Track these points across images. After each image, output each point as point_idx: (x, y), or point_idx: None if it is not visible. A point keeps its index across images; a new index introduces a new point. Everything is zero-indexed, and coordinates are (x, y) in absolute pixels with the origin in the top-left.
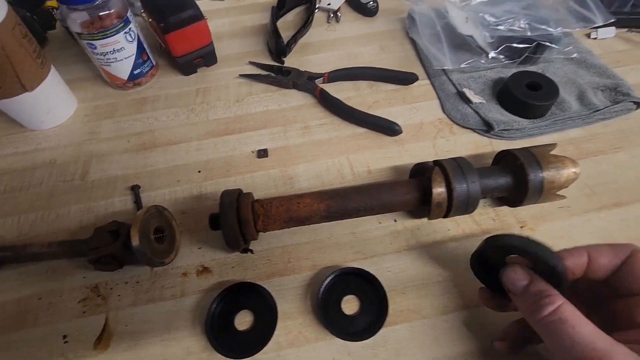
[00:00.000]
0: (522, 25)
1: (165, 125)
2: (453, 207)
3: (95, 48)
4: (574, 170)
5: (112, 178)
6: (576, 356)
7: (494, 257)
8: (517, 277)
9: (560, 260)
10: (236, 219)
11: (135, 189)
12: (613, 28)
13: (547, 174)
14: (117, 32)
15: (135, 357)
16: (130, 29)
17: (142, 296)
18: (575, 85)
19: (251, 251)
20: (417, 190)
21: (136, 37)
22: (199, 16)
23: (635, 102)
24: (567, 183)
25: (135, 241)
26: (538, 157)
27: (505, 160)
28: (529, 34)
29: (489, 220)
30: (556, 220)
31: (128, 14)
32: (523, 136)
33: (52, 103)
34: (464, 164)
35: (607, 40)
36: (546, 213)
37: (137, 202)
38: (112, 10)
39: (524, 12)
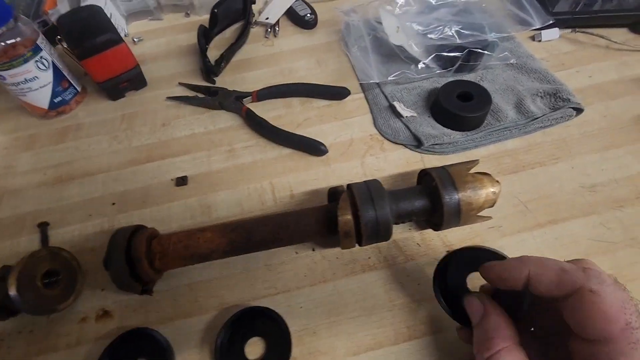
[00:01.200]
0: (451, 33)
1: (86, 154)
2: (363, 235)
3: (5, 79)
4: (492, 190)
5: (22, 215)
6: None
7: (456, 273)
8: (470, 309)
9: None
10: (124, 259)
11: (42, 227)
12: (556, 29)
13: (464, 195)
14: (26, 61)
15: None
16: (41, 57)
17: (34, 347)
18: (514, 93)
19: (149, 293)
20: (326, 219)
21: (51, 65)
22: (116, 40)
23: (575, 108)
24: (486, 204)
25: (12, 290)
26: (454, 177)
27: (424, 181)
28: (458, 41)
29: (413, 245)
30: (486, 241)
31: (38, 42)
32: (456, 150)
33: None
34: (374, 189)
35: (552, 43)
36: (475, 235)
37: (44, 240)
38: (17, 40)
39: (455, 18)
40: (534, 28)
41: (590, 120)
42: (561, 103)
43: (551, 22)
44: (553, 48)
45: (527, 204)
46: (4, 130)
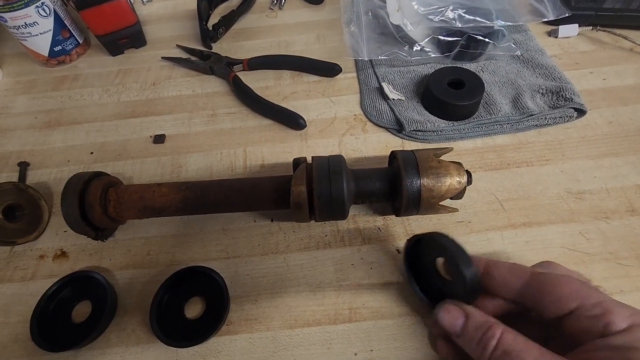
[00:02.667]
0: (452, 16)
1: (77, 104)
2: (316, 208)
3: (6, 21)
4: (458, 179)
5: (7, 153)
6: None
7: (424, 255)
8: (451, 317)
9: (473, 266)
10: (77, 202)
11: (22, 166)
12: (576, 26)
13: (425, 181)
14: (27, 5)
15: None
16: (43, 3)
17: None
18: (513, 87)
19: (101, 239)
20: (281, 189)
21: (52, 12)
22: None
23: (576, 109)
24: (449, 193)
25: None
26: (419, 160)
27: (392, 163)
28: (458, 25)
29: (374, 229)
30: (451, 235)
31: None
32: (439, 139)
33: None
34: (334, 164)
35: (569, 40)
36: (442, 227)
37: (21, 178)
38: None
39: (461, 1)
40: (546, 20)
41: (594, 125)
42: (562, 102)
43: (567, 15)
44: (569, 45)
45: (504, 203)
46: (9, 73)
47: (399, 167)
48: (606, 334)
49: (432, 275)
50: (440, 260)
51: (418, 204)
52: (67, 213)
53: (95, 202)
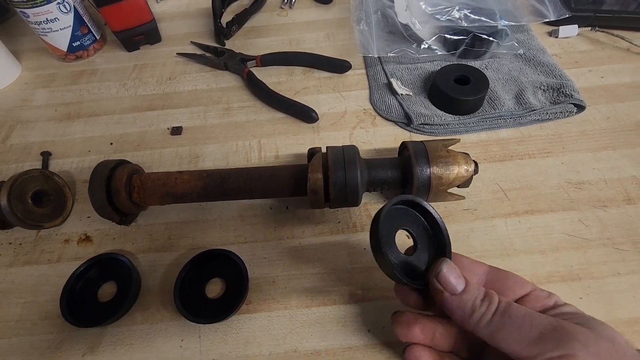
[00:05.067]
0: (458, 16)
1: (95, 97)
2: (331, 195)
3: (28, 17)
4: (465, 167)
5: (29, 144)
6: (539, 332)
7: (390, 221)
8: (457, 274)
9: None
10: (104, 187)
11: (44, 155)
12: (575, 26)
13: (435, 169)
14: (49, 1)
15: None
16: (64, 0)
17: (21, 258)
18: (516, 84)
19: (126, 224)
20: (298, 177)
21: (72, 9)
22: None
23: (576, 105)
24: (457, 181)
25: (2, 200)
26: (429, 150)
27: (403, 153)
28: (464, 24)
29: None
30: (457, 222)
31: None
32: (446, 132)
33: None
34: (348, 153)
35: (569, 40)
36: (448, 214)
37: (45, 167)
38: None
39: (466, 1)
40: (548, 20)
41: (592, 120)
42: (563, 98)
43: (568, 16)
44: (569, 45)
45: (508, 192)
46: (29, 67)
47: (409, 156)
48: (557, 306)
49: (394, 249)
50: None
51: (428, 191)
52: (94, 198)
53: (121, 188)
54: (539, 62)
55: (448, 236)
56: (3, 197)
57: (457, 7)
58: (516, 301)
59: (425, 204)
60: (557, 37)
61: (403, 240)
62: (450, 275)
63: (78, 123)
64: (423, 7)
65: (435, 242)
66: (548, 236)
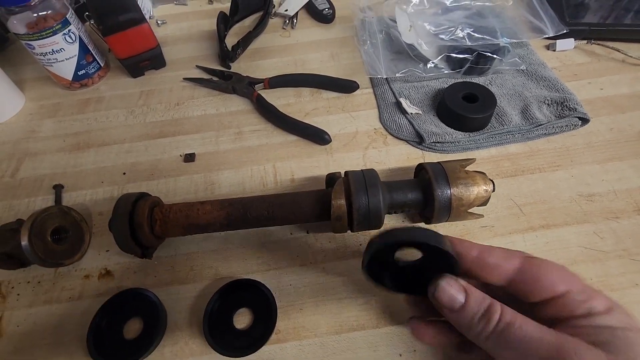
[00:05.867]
0: (462, 35)
1: (103, 126)
2: (354, 220)
3: (34, 49)
4: (484, 187)
5: (40, 177)
6: (532, 356)
7: (383, 256)
8: (454, 290)
9: (449, 243)
10: (127, 223)
11: (57, 188)
12: (572, 40)
13: (455, 191)
14: (55, 33)
15: None
16: (69, 30)
17: (41, 297)
18: (521, 99)
19: (149, 257)
20: (321, 202)
21: (77, 39)
22: (138, 19)
23: (580, 118)
24: (477, 201)
25: (24, 240)
26: (448, 172)
27: (420, 175)
28: (468, 43)
29: None
30: (476, 239)
31: (68, 16)
32: (457, 150)
33: None
34: (369, 177)
35: (566, 53)
36: (467, 232)
37: (58, 201)
38: (48, 12)
39: (468, 21)
40: (547, 36)
41: (596, 132)
42: (567, 112)
43: (565, 31)
44: (567, 58)
45: (522, 208)
46: (32, 97)
47: (429, 178)
48: (589, 315)
49: (397, 272)
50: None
51: (449, 212)
52: (118, 235)
53: (144, 222)
54: (541, 76)
55: (453, 250)
56: (24, 237)
57: (460, 27)
58: (547, 302)
59: (409, 237)
60: (554, 50)
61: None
62: (444, 295)
63: (88, 153)
64: (427, 27)
65: (441, 256)
66: (565, 250)
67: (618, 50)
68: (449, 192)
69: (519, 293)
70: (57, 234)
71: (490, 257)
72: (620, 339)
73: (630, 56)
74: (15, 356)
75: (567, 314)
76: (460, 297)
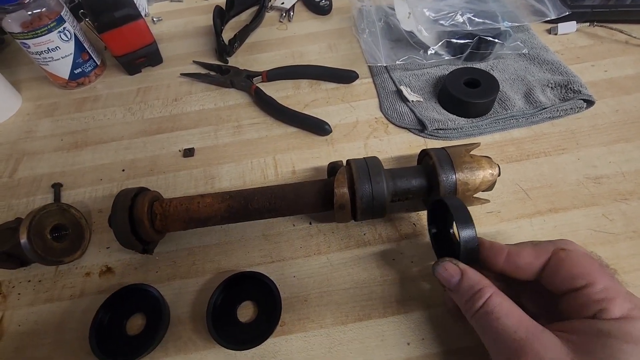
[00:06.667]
0: (462, 20)
1: (101, 124)
2: (358, 209)
3: (29, 47)
4: (490, 171)
5: (38, 176)
6: (499, 348)
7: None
8: (448, 273)
9: (475, 241)
10: (127, 218)
11: (56, 187)
12: (574, 23)
13: (461, 175)
14: (50, 31)
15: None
16: (64, 28)
17: (42, 295)
18: (524, 83)
19: (149, 252)
20: (323, 192)
21: (72, 37)
22: (134, 16)
23: (585, 100)
24: (482, 185)
25: (22, 237)
26: (453, 157)
27: (424, 161)
28: (468, 28)
29: (409, 225)
30: (483, 225)
31: (62, 14)
32: (460, 136)
33: None
34: (372, 165)
35: (568, 36)
36: (474, 218)
37: (57, 199)
38: (42, 10)
39: (468, 6)
40: (549, 19)
41: (601, 114)
42: (571, 95)
43: (567, 13)
44: (569, 41)
45: (529, 192)
46: (29, 97)
47: (433, 164)
48: (598, 317)
49: (448, 238)
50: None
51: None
52: (118, 230)
53: (144, 217)
54: (543, 60)
55: (460, 237)
56: (23, 235)
57: (460, 12)
58: (566, 296)
59: (447, 202)
60: (556, 34)
61: None
62: (442, 274)
63: (86, 151)
64: (427, 13)
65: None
66: (575, 233)
67: (621, 32)
68: (454, 177)
69: (546, 286)
70: (57, 232)
71: (520, 259)
72: (606, 351)
73: (634, 37)
74: (17, 355)
75: (576, 311)
76: (455, 279)
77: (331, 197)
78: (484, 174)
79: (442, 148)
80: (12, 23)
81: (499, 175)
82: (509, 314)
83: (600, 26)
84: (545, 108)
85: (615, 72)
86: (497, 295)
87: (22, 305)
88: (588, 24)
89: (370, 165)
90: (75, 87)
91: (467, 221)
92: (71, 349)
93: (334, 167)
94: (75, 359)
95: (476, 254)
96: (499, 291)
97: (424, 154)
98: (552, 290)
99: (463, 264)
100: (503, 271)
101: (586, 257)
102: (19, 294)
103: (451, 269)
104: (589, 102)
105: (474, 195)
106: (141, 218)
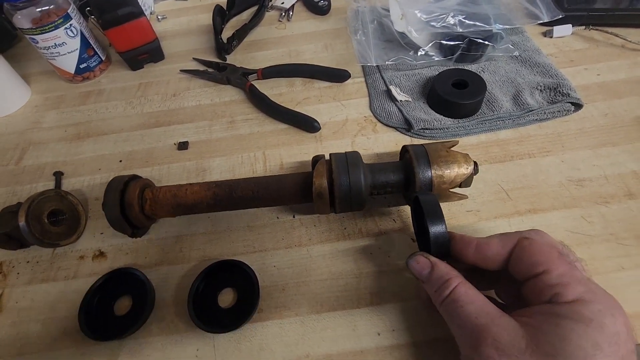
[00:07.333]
0: (453, 22)
1: (103, 117)
2: (336, 198)
3: (37, 42)
4: (465, 165)
5: (42, 164)
6: (463, 333)
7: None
8: (420, 266)
9: (444, 236)
10: (118, 201)
11: (57, 175)
12: (569, 26)
13: (436, 169)
14: (57, 27)
15: (16, 332)
16: (71, 24)
17: (38, 275)
18: (513, 85)
19: (138, 236)
20: (304, 183)
21: (79, 33)
22: (136, 13)
23: (573, 104)
24: (458, 178)
25: (21, 220)
26: (430, 152)
27: (404, 157)
28: (459, 30)
29: (389, 220)
30: (462, 224)
31: (69, 11)
32: (446, 136)
33: (0, 93)
34: (351, 158)
35: (563, 39)
36: (452, 216)
37: (57, 186)
38: (50, 7)
39: (461, 8)
40: (542, 22)
41: (590, 117)
42: (560, 97)
43: (561, 16)
44: (564, 45)
45: (509, 192)
46: (37, 90)
47: (410, 158)
48: (554, 301)
49: (426, 232)
50: None
51: (430, 191)
52: (109, 212)
53: (134, 201)
54: (535, 62)
55: (430, 231)
56: (21, 218)
57: (451, 14)
58: (526, 283)
59: (420, 198)
60: (551, 37)
61: None
62: (414, 267)
63: (88, 142)
64: (418, 15)
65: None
66: (551, 234)
67: (617, 36)
68: (429, 171)
69: (512, 274)
70: (54, 217)
71: (487, 250)
72: (558, 331)
73: (630, 41)
74: (13, 329)
75: (535, 296)
76: (425, 271)
77: (311, 188)
78: (459, 168)
79: (421, 145)
80: (23, 19)
81: (476, 171)
82: (472, 301)
83: (596, 30)
84: (532, 110)
85: (608, 76)
86: (462, 285)
87: (20, 284)
88: (584, 27)
89: (349, 158)
90: (81, 81)
91: (437, 216)
92: (62, 326)
93: (317, 160)
94: (65, 335)
95: (446, 248)
96: (465, 281)
97: (405, 150)
98: (517, 278)
99: (434, 257)
100: (474, 262)
101: (546, 246)
102: (18, 273)
103: (422, 262)
104: (577, 105)
105: (451, 190)
106: (132, 202)
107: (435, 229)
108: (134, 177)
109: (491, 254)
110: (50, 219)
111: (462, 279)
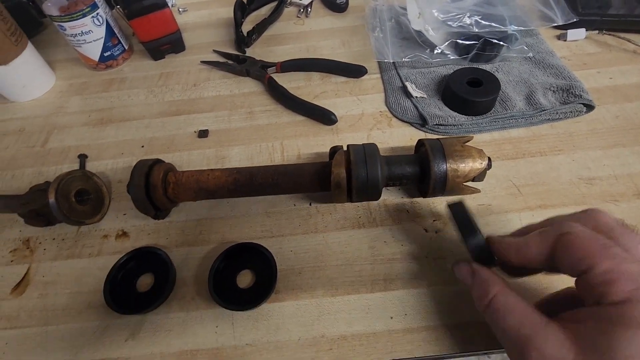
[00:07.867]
0: (469, 22)
1: (125, 103)
2: (353, 188)
3: (65, 30)
4: (479, 160)
5: (66, 147)
6: (508, 343)
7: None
8: (462, 274)
9: (481, 244)
10: (144, 183)
11: (81, 158)
12: (583, 30)
13: (451, 162)
14: (84, 15)
15: (43, 304)
16: (98, 13)
17: (64, 252)
18: (527, 85)
19: (161, 217)
20: (322, 172)
21: (104, 22)
22: (160, 5)
23: (585, 105)
24: (472, 173)
25: (51, 197)
26: (445, 146)
27: (420, 150)
28: (475, 30)
29: (403, 211)
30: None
31: (96, 0)
32: (460, 132)
33: (27, 78)
34: (369, 150)
35: (577, 43)
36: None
37: (82, 168)
38: None
39: (477, 9)
40: (556, 25)
41: (601, 119)
42: (572, 98)
43: (575, 20)
44: (577, 48)
45: (520, 188)
46: (63, 76)
47: (426, 151)
48: (601, 302)
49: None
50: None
51: (444, 184)
52: (134, 192)
53: (158, 184)
54: (548, 64)
55: (467, 245)
56: (51, 195)
57: (468, 14)
58: (579, 278)
59: (451, 211)
60: (565, 40)
61: None
62: (458, 274)
63: (110, 128)
64: (435, 14)
65: None
66: None
67: (630, 41)
68: (444, 165)
69: (561, 272)
70: (80, 196)
71: (529, 252)
72: (604, 339)
73: None
74: (40, 301)
75: (586, 296)
76: (467, 280)
77: (329, 178)
78: (473, 162)
79: (437, 139)
80: (52, 7)
81: (489, 167)
82: (513, 310)
83: (610, 34)
84: (545, 110)
85: (620, 80)
86: (501, 294)
87: (46, 260)
88: (597, 31)
89: (367, 150)
90: (104, 69)
91: (470, 227)
92: (87, 300)
93: (335, 151)
94: (90, 308)
95: (487, 253)
96: (505, 288)
97: (420, 143)
98: (569, 275)
99: (476, 264)
100: (519, 264)
101: (588, 239)
102: (44, 249)
103: (464, 269)
104: (589, 107)
105: (464, 183)
106: (156, 184)
107: (471, 241)
108: (158, 161)
109: (532, 255)
110: (77, 198)
111: (502, 286)
